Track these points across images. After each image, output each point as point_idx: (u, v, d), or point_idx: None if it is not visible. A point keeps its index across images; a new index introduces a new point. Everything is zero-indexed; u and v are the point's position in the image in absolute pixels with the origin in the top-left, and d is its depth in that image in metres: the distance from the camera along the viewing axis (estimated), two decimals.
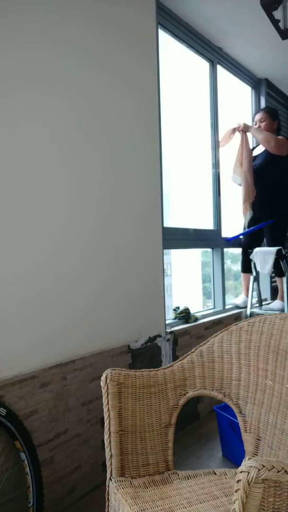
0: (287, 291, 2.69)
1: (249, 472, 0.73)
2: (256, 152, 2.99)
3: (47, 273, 1.53)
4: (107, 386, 1.20)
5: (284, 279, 2.72)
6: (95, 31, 1.74)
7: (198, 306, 2.98)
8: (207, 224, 2.81)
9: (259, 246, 2.95)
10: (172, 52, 2.53)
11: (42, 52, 1.52)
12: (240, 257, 3.11)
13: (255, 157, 2.96)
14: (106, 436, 1.18)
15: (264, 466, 0.74)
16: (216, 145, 2.82)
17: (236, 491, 0.74)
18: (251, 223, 2.98)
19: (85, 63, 1.70)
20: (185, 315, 2.43)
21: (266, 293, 3.47)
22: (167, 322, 2.32)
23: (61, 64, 1.59)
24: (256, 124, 2.91)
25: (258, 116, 2.91)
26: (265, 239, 3.02)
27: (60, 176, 1.59)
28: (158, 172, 2.11)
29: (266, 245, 2.99)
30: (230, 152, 2.94)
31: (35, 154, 1.50)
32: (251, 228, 2.86)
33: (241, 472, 0.74)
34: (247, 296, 2.99)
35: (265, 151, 2.89)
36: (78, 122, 1.67)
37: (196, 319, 2.48)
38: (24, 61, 1.46)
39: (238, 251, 3.26)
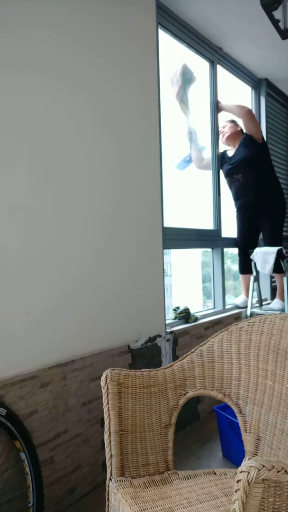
0: (287, 289, 2.69)
1: (249, 472, 0.73)
2: (231, 153, 2.96)
3: (47, 274, 1.53)
4: (107, 386, 1.20)
5: (285, 278, 2.72)
6: (95, 33, 1.74)
7: (198, 306, 2.98)
8: (207, 224, 2.81)
9: (255, 245, 2.96)
10: (172, 52, 2.53)
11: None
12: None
13: (232, 156, 2.92)
14: (106, 436, 1.18)
15: (264, 466, 0.74)
16: (215, 145, 2.83)
17: (236, 491, 0.74)
18: (245, 222, 2.97)
19: (84, 65, 1.70)
20: (185, 315, 2.43)
21: (266, 293, 3.47)
22: (167, 322, 2.32)
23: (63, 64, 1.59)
24: (220, 132, 2.92)
25: (221, 125, 2.94)
26: (263, 238, 3.02)
27: (60, 178, 1.59)
28: (158, 172, 2.11)
29: (263, 244, 2.99)
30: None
31: (35, 158, 1.50)
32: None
33: (241, 472, 0.74)
34: (247, 296, 2.99)
35: (241, 147, 2.88)
36: (79, 124, 1.67)
37: (196, 319, 2.48)
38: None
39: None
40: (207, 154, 2.86)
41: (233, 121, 2.95)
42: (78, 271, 1.66)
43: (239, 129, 2.95)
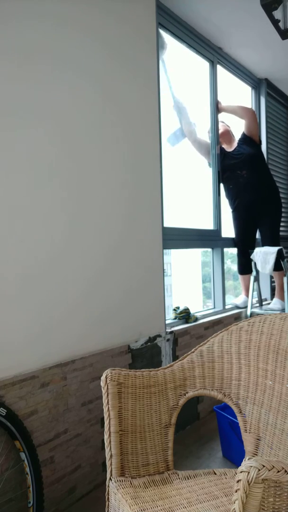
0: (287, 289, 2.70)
1: (249, 472, 0.73)
2: (228, 148, 2.96)
3: (46, 273, 1.53)
4: (107, 386, 1.20)
5: (285, 278, 2.72)
6: (92, 38, 1.74)
7: (198, 306, 2.98)
8: (207, 224, 2.81)
9: (253, 245, 2.96)
10: (172, 52, 2.53)
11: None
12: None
13: (233, 151, 2.92)
14: (106, 436, 1.18)
15: (264, 466, 0.74)
16: (216, 145, 2.83)
17: (236, 491, 0.74)
18: (244, 221, 2.96)
19: (86, 58, 1.70)
20: (185, 315, 2.43)
21: (266, 293, 3.47)
22: (167, 322, 2.32)
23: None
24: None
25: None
26: (261, 237, 3.02)
27: (60, 178, 1.59)
28: (158, 172, 2.11)
29: (262, 244, 2.99)
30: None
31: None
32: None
33: (241, 472, 0.74)
34: (247, 296, 2.99)
35: (242, 145, 2.88)
36: (79, 123, 1.67)
37: (196, 319, 2.48)
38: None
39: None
40: (203, 136, 2.83)
41: (222, 121, 2.98)
42: (81, 274, 1.66)
43: (229, 128, 2.99)
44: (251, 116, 2.85)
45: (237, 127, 3.02)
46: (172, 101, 2.66)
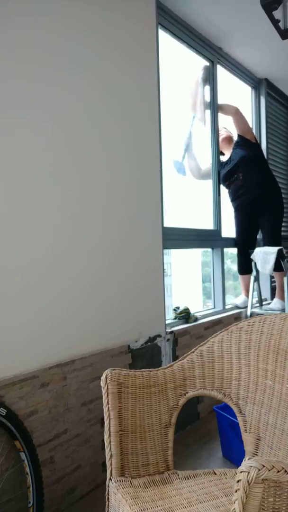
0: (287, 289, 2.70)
1: (249, 472, 0.73)
2: (225, 158, 3.00)
3: (46, 272, 1.53)
4: (107, 386, 1.20)
5: (285, 278, 2.72)
6: (93, 38, 1.74)
7: (198, 306, 2.98)
8: (207, 224, 2.81)
9: (254, 244, 2.96)
10: (172, 52, 2.53)
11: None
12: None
13: (228, 159, 2.96)
14: (106, 436, 1.18)
15: (264, 466, 0.74)
16: (215, 145, 2.83)
17: (236, 491, 0.74)
18: (244, 220, 2.97)
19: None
20: (185, 315, 2.43)
21: (266, 293, 3.47)
22: (167, 322, 2.31)
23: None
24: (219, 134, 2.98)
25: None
26: (263, 237, 3.02)
27: (59, 178, 1.59)
28: (158, 172, 2.11)
29: (263, 244, 2.99)
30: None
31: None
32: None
33: (241, 472, 0.74)
34: (246, 296, 2.99)
35: (237, 149, 2.91)
36: (83, 123, 1.67)
37: (196, 319, 2.48)
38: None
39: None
40: (207, 164, 2.87)
41: (225, 128, 3.03)
42: (82, 276, 1.66)
43: (231, 135, 3.02)
44: (235, 113, 2.88)
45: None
46: (186, 136, 2.80)
